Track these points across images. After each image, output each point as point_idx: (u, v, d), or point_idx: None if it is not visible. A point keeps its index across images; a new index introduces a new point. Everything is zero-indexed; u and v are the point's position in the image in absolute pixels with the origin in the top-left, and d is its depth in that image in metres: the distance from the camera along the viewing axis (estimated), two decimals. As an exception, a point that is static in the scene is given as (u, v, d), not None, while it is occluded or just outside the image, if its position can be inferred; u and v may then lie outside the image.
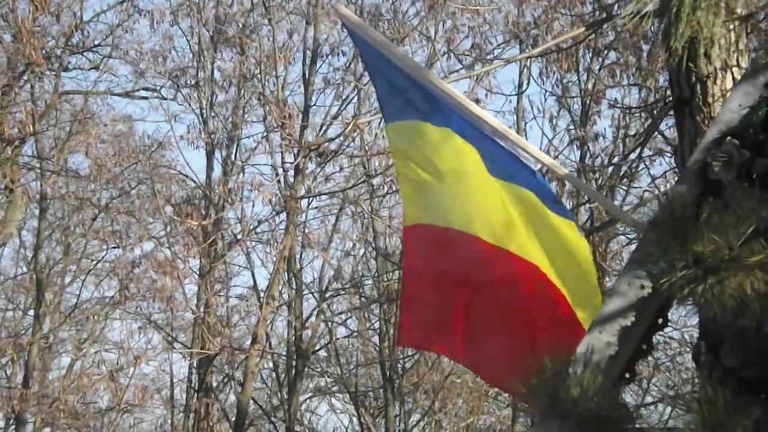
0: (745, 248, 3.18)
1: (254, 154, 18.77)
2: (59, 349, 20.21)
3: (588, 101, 16.34)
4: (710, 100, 6.31)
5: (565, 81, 16.45)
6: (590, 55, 16.34)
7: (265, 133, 18.13)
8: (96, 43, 18.86)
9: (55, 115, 18.81)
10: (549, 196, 5.22)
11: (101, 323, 19.79)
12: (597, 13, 11.18)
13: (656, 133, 12.89)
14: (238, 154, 18.80)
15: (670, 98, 7.01)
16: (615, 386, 3.79)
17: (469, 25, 16.68)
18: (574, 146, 16.69)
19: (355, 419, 20.13)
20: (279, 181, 17.31)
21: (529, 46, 15.15)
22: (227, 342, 18.10)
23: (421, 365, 19.01)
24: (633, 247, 12.46)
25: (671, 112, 7.12)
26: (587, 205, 14.84)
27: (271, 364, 19.43)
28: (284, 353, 18.75)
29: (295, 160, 17.02)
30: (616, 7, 7.73)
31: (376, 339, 19.04)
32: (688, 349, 14.37)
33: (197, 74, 18.67)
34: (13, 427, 18.28)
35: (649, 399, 15.78)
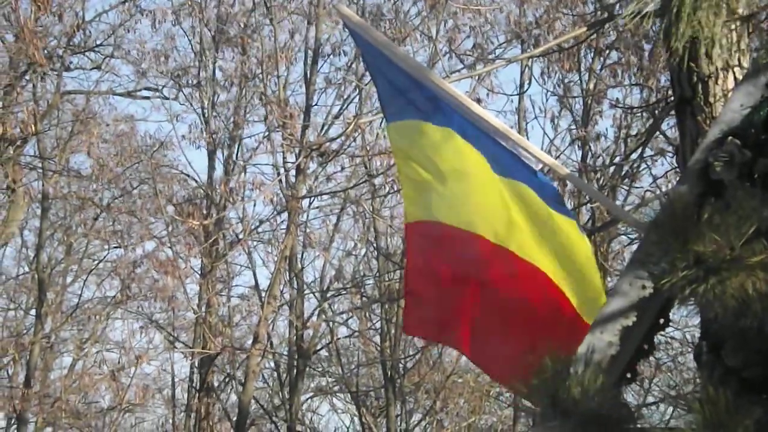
0: (746, 248, 3.17)
1: (256, 153, 18.82)
2: (61, 348, 20.20)
3: (589, 101, 16.34)
4: (712, 100, 6.31)
5: (566, 81, 16.46)
6: (592, 54, 16.33)
7: (267, 133, 18.16)
8: (98, 42, 18.89)
9: (57, 114, 18.83)
10: (552, 196, 5.21)
11: (103, 323, 19.78)
12: (598, 12, 11.18)
13: (658, 133, 12.87)
14: (239, 153, 18.85)
15: (672, 98, 7.01)
16: (616, 386, 3.79)
17: (470, 25, 16.68)
18: (576, 146, 16.70)
19: (356, 419, 20.11)
20: (280, 181, 17.29)
21: (531, 46, 15.13)
22: (228, 342, 18.11)
23: (422, 365, 18.98)
24: (634, 247, 12.48)
25: (673, 112, 7.12)
26: (589, 205, 14.83)
27: (272, 364, 19.42)
28: (285, 353, 18.75)
29: (296, 159, 17.03)
30: (617, 6, 7.72)
31: (377, 339, 19.03)
32: (689, 349, 14.35)
33: (199, 74, 18.71)
34: (15, 426, 18.29)
35: (650, 399, 15.75)
